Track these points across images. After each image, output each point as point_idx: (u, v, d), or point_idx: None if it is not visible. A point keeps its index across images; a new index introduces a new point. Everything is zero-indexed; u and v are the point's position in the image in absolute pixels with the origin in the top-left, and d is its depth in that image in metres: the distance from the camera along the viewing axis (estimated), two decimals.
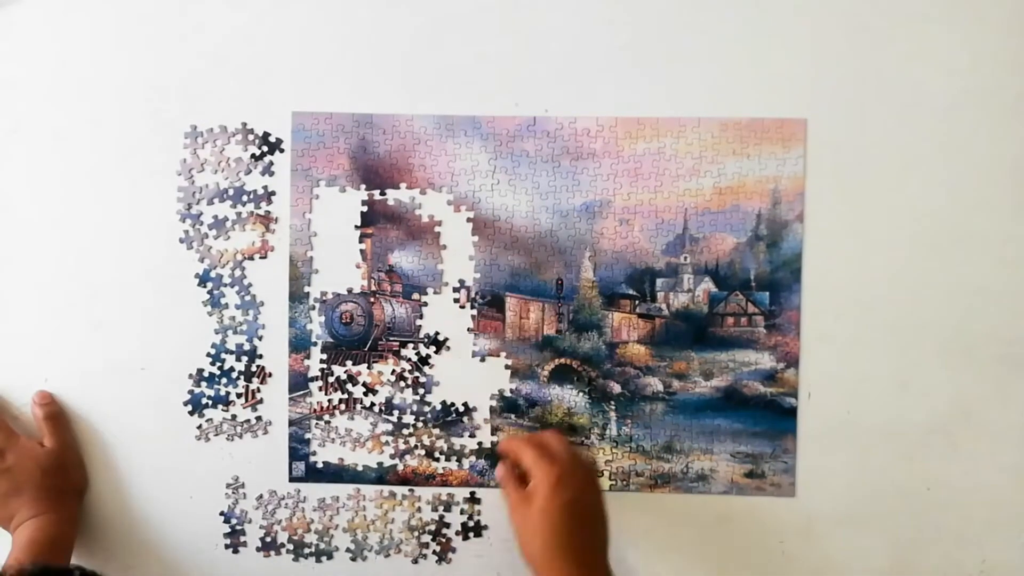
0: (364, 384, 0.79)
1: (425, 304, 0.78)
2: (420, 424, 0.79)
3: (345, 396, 0.79)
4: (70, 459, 0.78)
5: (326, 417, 0.79)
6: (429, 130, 0.77)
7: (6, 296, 0.79)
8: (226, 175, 0.78)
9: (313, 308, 0.78)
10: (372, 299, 0.78)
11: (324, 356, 0.79)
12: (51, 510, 0.75)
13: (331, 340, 0.79)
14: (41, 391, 0.78)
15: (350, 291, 0.78)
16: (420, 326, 0.78)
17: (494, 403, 0.78)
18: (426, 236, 0.78)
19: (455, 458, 0.79)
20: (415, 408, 0.79)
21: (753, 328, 0.78)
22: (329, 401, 0.79)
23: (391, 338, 0.79)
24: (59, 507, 0.76)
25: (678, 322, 0.78)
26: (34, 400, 0.78)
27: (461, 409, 0.79)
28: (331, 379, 0.79)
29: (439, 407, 0.79)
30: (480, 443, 0.79)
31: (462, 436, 0.79)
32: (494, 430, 0.79)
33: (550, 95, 0.77)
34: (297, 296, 0.78)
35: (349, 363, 0.78)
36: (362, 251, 0.78)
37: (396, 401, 0.79)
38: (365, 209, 0.78)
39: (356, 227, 0.78)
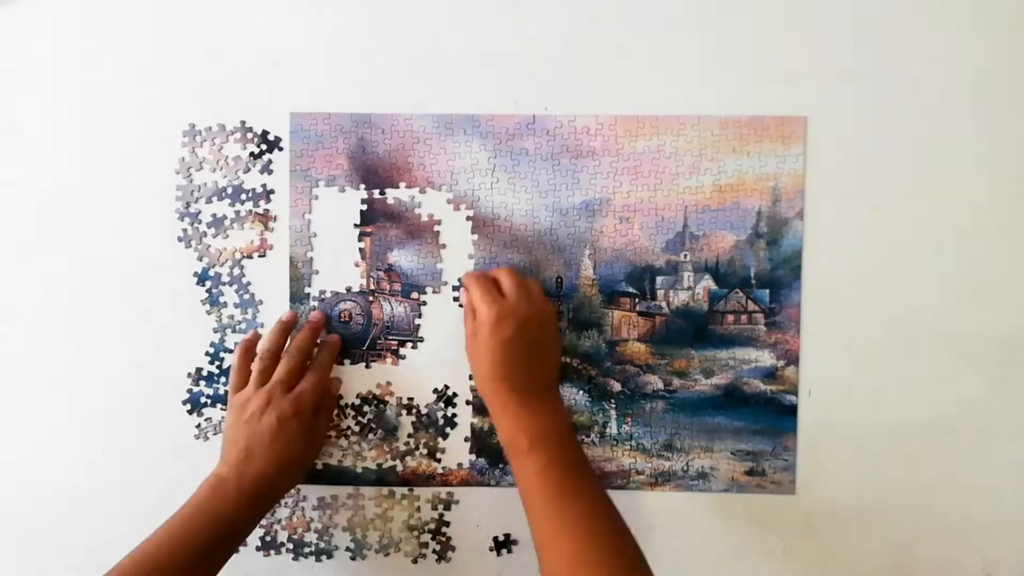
0: (369, 395, 0.79)
1: (424, 303, 0.78)
2: (421, 426, 0.79)
3: (347, 403, 0.79)
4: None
5: (330, 431, 0.79)
6: (428, 129, 0.77)
7: (5, 295, 0.79)
8: (224, 173, 0.78)
9: (314, 308, 0.78)
10: (371, 298, 0.78)
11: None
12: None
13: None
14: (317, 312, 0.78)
15: (349, 290, 0.78)
16: (419, 325, 0.78)
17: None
18: (425, 235, 0.78)
19: (455, 458, 0.79)
20: (416, 410, 0.79)
21: (753, 326, 0.78)
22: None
23: (390, 337, 0.78)
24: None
25: (678, 320, 0.78)
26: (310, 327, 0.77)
27: (457, 409, 0.79)
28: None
29: (439, 408, 0.79)
30: (467, 437, 0.79)
31: (458, 436, 0.79)
32: (493, 429, 0.78)
33: (550, 93, 0.77)
34: (298, 297, 0.78)
35: (347, 362, 0.78)
36: (361, 250, 0.78)
37: (394, 405, 0.79)
38: (364, 208, 0.78)
39: (355, 226, 0.78)
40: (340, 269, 0.78)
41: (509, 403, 0.68)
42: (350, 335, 0.78)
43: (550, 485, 0.64)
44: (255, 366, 0.74)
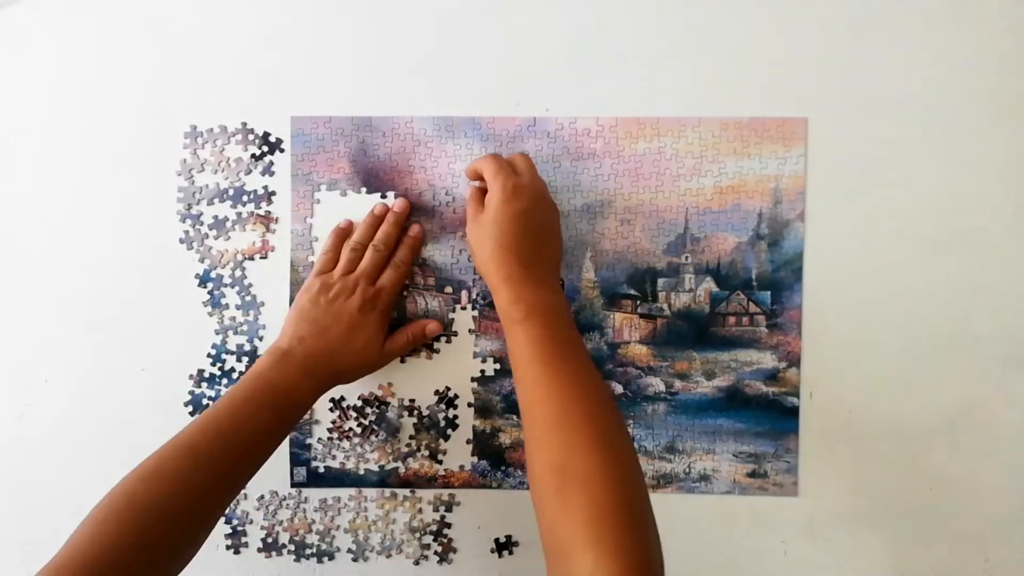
0: (370, 396, 0.79)
1: (457, 300, 0.78)
2: (423, 428, 0.79)
3: (348, 406, 0.79)
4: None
5: (331, 431, 0.79)
6: (429, 132, 0.77)
7: (6, 296, 0.79)
8: (226, 175, 0.78)
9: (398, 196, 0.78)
10: (405, 293, 0.78)
11: None
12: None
13: None
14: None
15: None
16: (453, 319, 0.78)
17: (496, 399, 0.78)
18: (459, 230, 0.78)
19: (457, 460, 0.79)
20: (417, 412, 0.79)
21: (755, 328, 0.78)
22: (337, 417, 0.79)
23: None
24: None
25: (679, 322, 0.78)
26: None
27: (458, 411, 0.79)
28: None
29: (441, 409, 0.79)
30: (469, 441, 0.79)
31: (460, 438, 0.79)
32: (495, 431, 0.78)
33: (550, 95, 0.77)
34: None
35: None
36: None
37: (396, 406, 0.79)
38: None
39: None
40: None
41: (513, 275, 0.67)
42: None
43: (540, 353, 0.63)
44: (346, 254, 0.75)
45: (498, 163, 0.70)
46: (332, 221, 0.78)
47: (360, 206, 0.78)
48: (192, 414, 0.79)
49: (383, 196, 0.78)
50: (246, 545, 0.80)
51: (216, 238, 0.78)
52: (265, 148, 0.78)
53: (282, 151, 0.78)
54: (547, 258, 0.70)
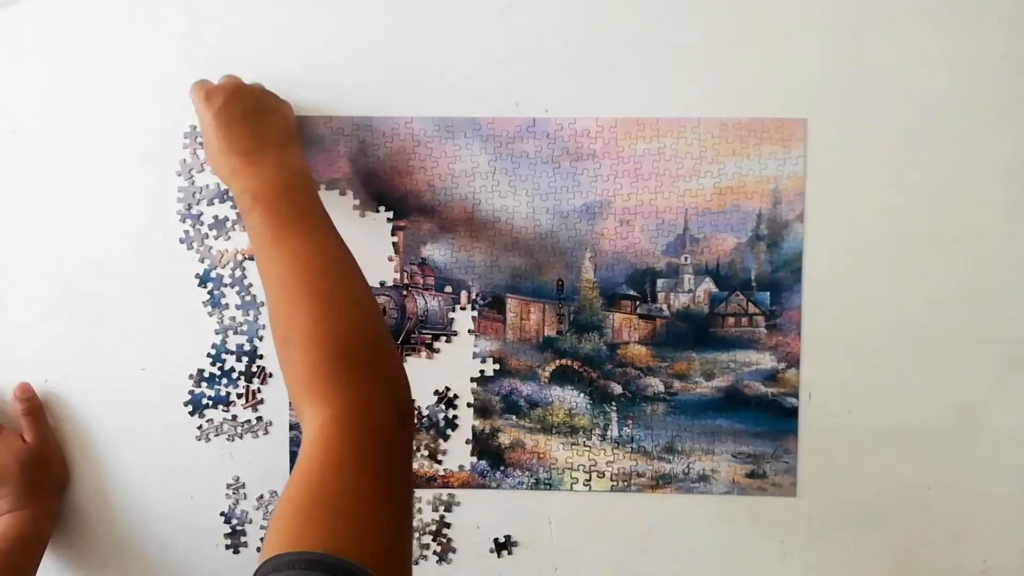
0: None
1: (456, 299, 0.78)
2: (422, 428, 0.79)
3: None
4: (50, 454, 0.78)
5: None
6: (429, 132, 0.77)
7: (6, 296, 0.79)
8: None
9: None
10: (405, 292, 0.78)
11: None
12: (29, 506, 0.75)
13: None
14: (22, 383, 0.78)
15: (382, 284, 0.78)
16: (453, 319, 0.78)
17: (496, 400, 0.78)
18: (459, 228, 0.78)
19: (456, 460, 0.79)
20: (417, 412, 0.79)
21: (754, 328, 0.78)
22: None
23: (424, 331, 0.78)
24: (37, 503, 0.75)
25: (679, 322, 0.78)
26: (14, 394, 0.78)
27: (458, 411, 0.79)
28: None
29: (440, 410, 0.79)
30: (469, 441, 0.79)
31: (459, 438, 0.79)
32: (494, 431, 0.79)
33: (550, 96, 0.77)
34: None
35: None
36: (394, 244, 0.78)
37: None
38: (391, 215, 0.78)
39: (388, 220, 0.78)
40: (374, 263, 0.78)
41: (236, 167, 0.67)
42: None
43: (268, 235, 0.64)
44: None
45: (194, 85, 0.72)
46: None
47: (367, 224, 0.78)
48: (192, 414, 0.79)
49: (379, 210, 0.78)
50: (245, 545, 0.80)
51: (216, 238, 0.78)
52: None
53: None
54: (265, 136, 0.69)
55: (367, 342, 0.60)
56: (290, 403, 0.78)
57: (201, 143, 0.78)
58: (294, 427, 0.79)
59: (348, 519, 0.49)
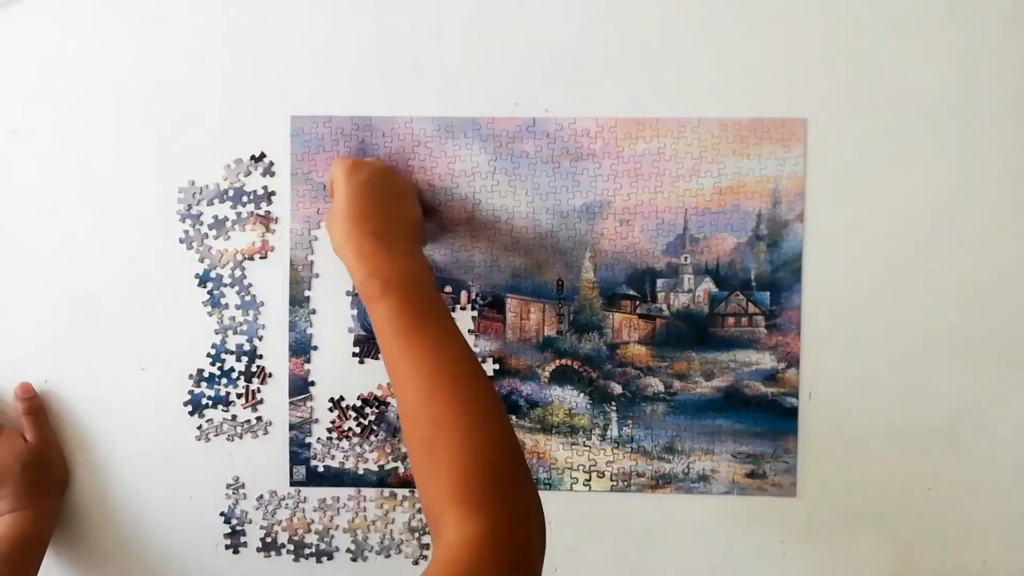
0: (370, 396, 0.79)
1: (456, 300, 0.78)
2: None
3: (349, 406, 0.79)
4: (51, 454, 0.78)
5: (331, 431, 0.79)
6: (428, 132, 0.77)
7: (6, 296, 0.79)
8: (226, 175, 0.78)
9: (314, 312, 0.78)
10: None
11: (356, 349, 0.79)
12: (29, 506, 0.75)
13: (364, 333, 0.78)
14: (23, 383, 0.78)
15: None
16: (454, 318, 0.78)
17: None
18: (459, 228, 0.78)
19: None
20: None
21: (754, 328, 0.78)
22: (336, 417, 0.79)
23: None
24: (37, 503, 0.75)
25: (679, 322, 0.78)
26: (15, 394, 0.78)
27: None
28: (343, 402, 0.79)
29: None
30: None
31: None
32: None
33: (550, 95, 0.77)
34: (297, 300, 0.78)
35: (381, 356, 0.78)
36: None
37: (394, 408, 0.79)
38: None
39: None
40: None
41: (365, 247, 0.65)
42: None
43: (401, 329, 0.63)
44: None
45: (338, 159, 0.72)
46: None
47: None
48: (192, 414, 0.79)
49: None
50: (245, 545, 0.80)
51: (216, 238, 0.78)
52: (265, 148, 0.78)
53: (272, 173, 0.78)
54: (399, 224, 0.68)
55: (514, 458, 0.60)
56: (289, 403, 0.78)
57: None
58: (294, 427, 0.79)
59: None
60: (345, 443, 0.79)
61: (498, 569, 0.53)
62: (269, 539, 0.80)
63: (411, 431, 0.61)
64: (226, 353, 0.79)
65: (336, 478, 0.79)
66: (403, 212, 0.70)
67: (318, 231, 0.78)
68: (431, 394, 0.60)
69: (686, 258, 0.78)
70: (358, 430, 0.79)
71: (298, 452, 0.79)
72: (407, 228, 0.69)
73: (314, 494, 0.79)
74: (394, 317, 0.63)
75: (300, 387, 0.79)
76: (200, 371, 0.79)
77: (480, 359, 0.78)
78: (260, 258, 0.79)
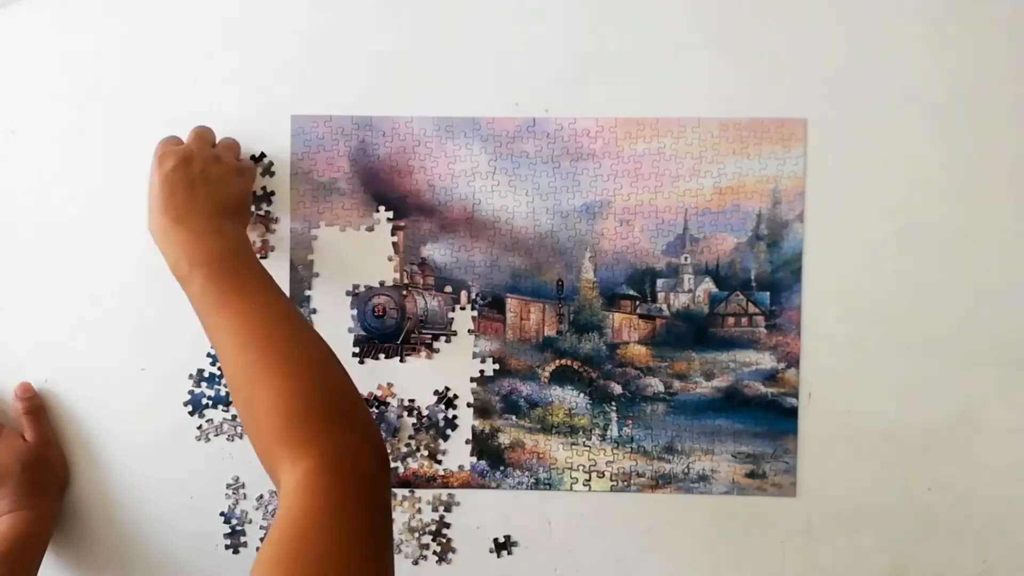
0: (370, 396, 0.79)
1: (456, 299, 0.78)
2: (422, 428, 0.79)
3: None
4: (51, 454, 0.78)
5: None
6: (429, 132, 0.77)
7: (6, 296, 0.79)
8: None
9: (314, 312, 0.78)
10: (404, 292, 0.78)
11: (356, 349, 0.79)
12: (29, 506, 0.75)
13: (364, 333, 0.79)
14: (23, 383, 0.78)
15: (382, 284, 0.78)
16: (452, 319, 0.78)
17: (495, 400, 0.79)
18: (459, 228, 0.78)
19: (456, 460, 0.79)
20: (417, 412, 0.79)
21: (754, 328, 0.78)
22: None
23: (423, 331, 0.78)
24: (37, 503, 0.75)
25: (679, 322, 0.78)
26: (15, 393, 0.78)
27: (458, 411, 0.79)
28: None
29: (440, 409, 0.79)
30: (468, 441, 0.79)
31: (459, 438, 0.79)
32: (494, 431, 0.79)
33: (550, 96, 0.77)
34: (297, 300, 0.78)
35: (382, 356, 0.78)
36: (394, 244, 0.78)
37: (395, 406, 0.79)
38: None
39: (388, 220, 0.78)
40: (374, 263, 0.78)
41: (170, 232, 0.67)
42: (384, 329, 0.78)
43: (212, 302, 0.64)
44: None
45: (159, 142, 0.72)
46: (332, 225, 0.78)
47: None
48: (192, 414, 0.79)
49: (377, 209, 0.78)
50: (245, 545, 0.80)
51: None
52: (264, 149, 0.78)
53: (272, 173, 0.78)
54: (204, 205, 0.69)
55: (337, 393, 0.61)
56: None
57: None
58: None
59: (335, 566, 0.50)
60: None
61: (342, 498, 0.53)
62: None
63: (235, 396, 0.63)
64: None
65: None
66: (213, 193, 0.70)
67: (318, 231, 0.78)
68: (244, 354, 0.61)
69: (686, 258, 0.78)
70: None
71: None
72: (216, 208, 0.69)
73: None
74: (205, 291, 0.64)
75: None
76: (200, 371, 0.79)
77: (480, 359, 0.78)
78: (260, 258, 0.78)
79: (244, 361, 0.61)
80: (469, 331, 0.78)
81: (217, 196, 0.70)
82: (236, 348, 0.61)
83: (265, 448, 0.58)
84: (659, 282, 0.78)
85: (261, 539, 0.79)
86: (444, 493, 0.79)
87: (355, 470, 0.56)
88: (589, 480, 0.79)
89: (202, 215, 0.68)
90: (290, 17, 0.77)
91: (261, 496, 0.79)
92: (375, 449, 0.58)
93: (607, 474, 0.79)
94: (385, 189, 0.78)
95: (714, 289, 0.78)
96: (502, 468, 0.79)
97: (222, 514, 0.80)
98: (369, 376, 0.79)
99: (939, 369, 0.77)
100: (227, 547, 0.80)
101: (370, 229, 0.78)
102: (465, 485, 0.79)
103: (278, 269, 0.78)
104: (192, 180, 0.69)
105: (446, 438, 0.79)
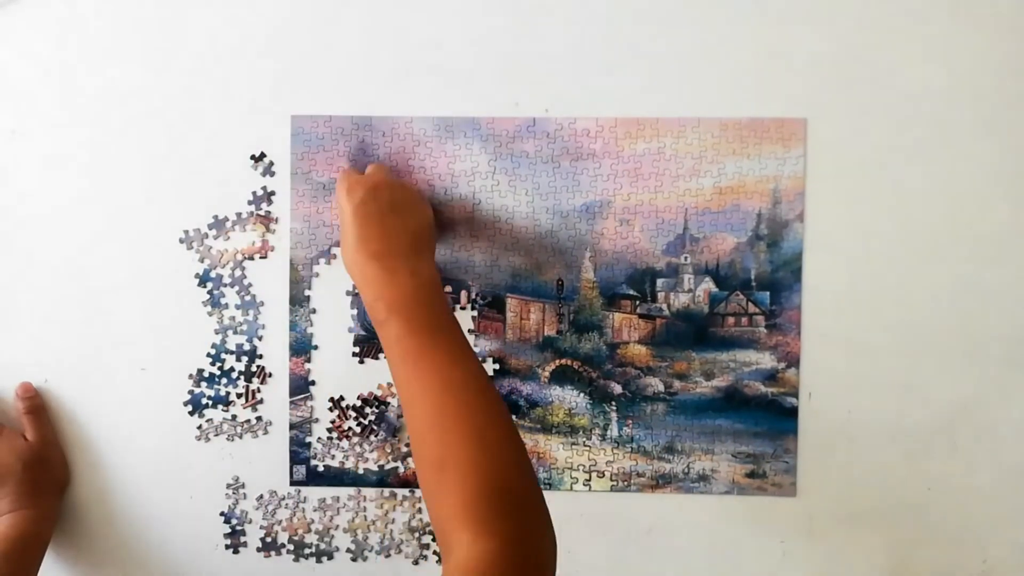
0: (370, 396, 0.79)
1: (456, 299, 0.78)
2: None
3: (350, 407, 0.79)
4: (51, 454, 0.78)
5: (331, 431, 0.79)
6: (429, 132, 0.77)
7: (7, 296, 0.79)
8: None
9: (314, 312, 0.78)
10: None
11: (356, 349, 0.79)
12: (30, 506, 0.75)
13: (364, 333, 0.78)
14: (24, 383, 0.78)
15: None
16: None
17: None
18: (458, 228, 0.78)
19: None
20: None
21: (754, 328, 0.78)
22: (337, 417, 0.79)
23: None
24: (38, 503, 0.75)
25: (679, 322, 0.78)
26: (16, 393, 0.78)
27: None
28: (343, 402, 0.79)
29: None
30: None
31: None
32: None
33: (550, 96, 0.77)
34: (297, 300, 0.78)
35: (382, 356, 0.78)
36: None
37: (395, 406, 0.79)
38: None
39: None
40: None
41: (367, 271, 0.66)
42: None
43: (408, 351, 0.63)
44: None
45: (340, 173, 0.73)
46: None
47: None
48: (192, 414, 0.79)
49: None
50: (245, 545, 0.80)
51: (216, 238, 0.78)
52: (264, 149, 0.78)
53: (272, 173, 0.78)
54: (399, 239, 0.68)
55: (525, 476, 0.60)
56: (290, 402, 0.78)
57: None
58: (294, 427, 0.79)
59: None
60: (345, 443, 0.79)
61: None
62: (269, 539, 0.80)
63: (420, 451, 0.61)
64: (226, 353, 0.79)
65: (336, 478, 0.79)
66: (404, 224, 0.69)
67: (318, 231, 0.78)
68: (439, 416, 0.61)
69: (686, 258, 0.78)
70: (358, 430, 0.79)
71: (298, 452, 0.79)
72: (409, 241, 0.69)
73: (314, 494, 0.79)
74: (400, 339, 0.64)
75: (300, 387, 0.79)
76: (200, 371, 0.79)
77: (480, 359, 0.78)
78: (260, 258, 0.79)
79: (436, 422, 0.60)
80: (469, 331, 0.78)
81: (407, 227, 0.69)
82: (431, 407, 0.61)
83: (446, 515, 0.57)
84: (659, 282, 0.78)
85: (261, 539, 0.79)
86: None
87: (535, 562, 0.56)
88: (589, 480, 0.79)
89: (397, 254, 0.68)
90: (290, 18, 0.77)
91: (261, 496, 0.79)
92: (552, 541, 0.58)
93: (607, 474, 0.79)
94: None
95: (714, 289, 0.78)
96: None
97: (222, 514, 0.80)
98: (369, 376, 0.79)
99: (939, 369, 0.77)
100: (227, 547, 0.80)
101: None
102: None
103: (278, 269, 0.78)
104: (382, 210, 0.69)
105: None
